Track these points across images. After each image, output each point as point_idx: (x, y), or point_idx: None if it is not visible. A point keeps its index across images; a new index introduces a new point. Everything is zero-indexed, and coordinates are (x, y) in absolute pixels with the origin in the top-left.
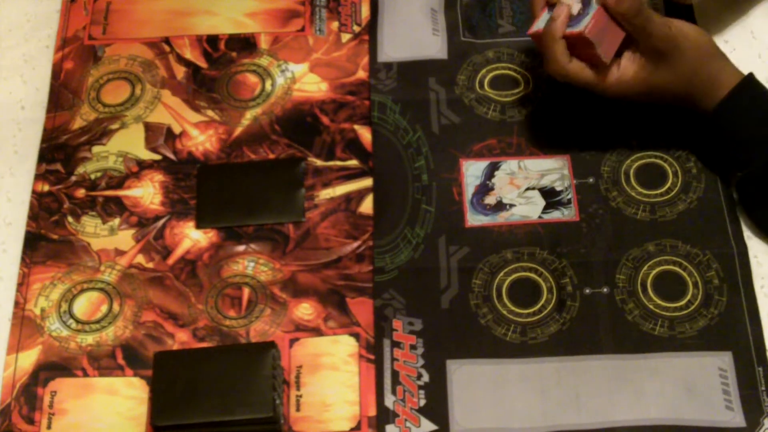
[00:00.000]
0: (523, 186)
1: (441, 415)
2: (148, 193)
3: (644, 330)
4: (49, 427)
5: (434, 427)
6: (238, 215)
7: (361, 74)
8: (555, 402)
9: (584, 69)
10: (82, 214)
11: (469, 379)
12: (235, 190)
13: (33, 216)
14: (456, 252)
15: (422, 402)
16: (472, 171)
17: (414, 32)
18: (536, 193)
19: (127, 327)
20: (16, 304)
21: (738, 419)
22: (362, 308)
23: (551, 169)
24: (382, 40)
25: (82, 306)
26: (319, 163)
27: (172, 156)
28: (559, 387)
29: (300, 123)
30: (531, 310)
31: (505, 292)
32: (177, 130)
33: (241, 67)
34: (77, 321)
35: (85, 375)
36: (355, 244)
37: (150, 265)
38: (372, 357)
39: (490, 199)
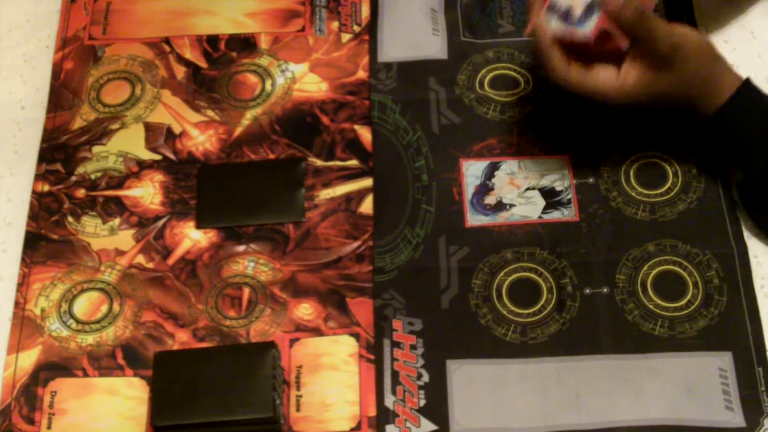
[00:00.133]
0: (523, 186)
1: (441, 415)
2: (148, 193)
3: (644, 330)
4: (49, 427)
5: (434, 427)
6: (238, 215)
7: (361, 74)
8: (555, 402)
9: (585, 76)
10: (82, 214)
11: (469, 379)
12: (235, 190)
13: (33, 216)
14: (456, 252)
15: (422, 402)
16: (472, 171)
17: (414, 32)
18: (536, 193)
19: (128, 327)
20: (16, 304)
21: (738, 419)
22: (362, 308)
23: (551, 169)
24: (382, 40)
25: (83, 306)
26: (319, 163)
27: (172, 156)
28: (559, 387)
29: (300, 123)
30: (531, 310)
31: (505, 292)
32: (177, 130)
33: (241, 67)
34: (77, 321)
35: (85, 375)
36: (355, 244)
37: (150, 265)
38: (372, 357)
39: (490, 199)
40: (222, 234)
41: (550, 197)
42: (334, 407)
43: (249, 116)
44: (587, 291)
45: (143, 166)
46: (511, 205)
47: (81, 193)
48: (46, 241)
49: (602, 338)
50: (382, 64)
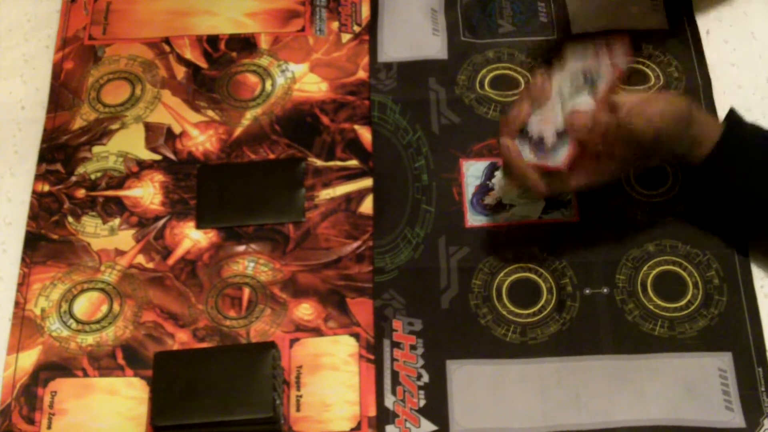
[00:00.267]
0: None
1: (441, 416)
2: (148, 193)
3: (644, 330)
4: (49, 427)
5: (434, 427)
6: (238, 215)
7: (361, 74)
8: (555, 402)
9: (566, 184)
10: (83, 214)
11: (469, 380)
12: (235, 190)
13: (33, 216)
14: (456, 252)
15: (422, 402)
16: (472, 171)
17: (414, 32)
18: None
19: (128, 327)
20: (17, 304)
21: (738, 419)
22: (362, 308)
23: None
24: (382, 40)
25: (83, 306)
26: (319, 163)
27: (172, 156)
28: (559, 387)
29: (300, 123)
30: (531, 311)
31: (505, 293)
32: (177, 130)
33: (242, 67)
34: (77, 321)
35: (86, 375)
36: (355, 244)
37: (150, 265)
38: (372, 357)
39: (490, 199)
40: (222, 234)
41: (550, 197)
42: (334, 407)
43: (249, 116)
44: (587, 291)
45: (143, 166)
46: (511, 206)
47: (81, 193)
48: (46, 241)
49: (602, 338)
50: (382, 64)
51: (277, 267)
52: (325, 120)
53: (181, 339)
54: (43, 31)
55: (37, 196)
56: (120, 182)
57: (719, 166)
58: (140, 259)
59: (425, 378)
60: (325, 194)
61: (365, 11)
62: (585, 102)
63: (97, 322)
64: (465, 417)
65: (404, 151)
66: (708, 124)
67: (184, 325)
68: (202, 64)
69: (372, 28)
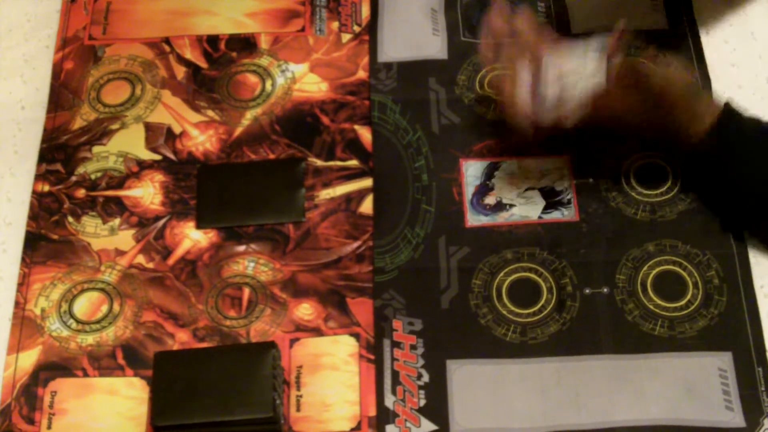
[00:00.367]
0: (523, 186)
1: (441, 415)
2: (148, 193)
3: (644, 330)
4: (49, 427)
5: (434, 427)
6: (238, 215)
7: (361, 74)
8: (555, 402)
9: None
10: (83, 214)
11: (469, 379)
12: (235, 190)
13: (33, 216)
14: (456, 252)
15: (422, 402)
16: (472, 171)
17: (414, 32)
18: (536, 193)
19: (128, 327)
20: (17, 304)
21: (738, 419)
22: (362, 308)
23: (551, 169)
24: (382, 40)
25: (83, 306)
26: (319, 163)
27: (172, 156)
28: (559, 387)
29: (300, 123)
30: (531, 311)
31: (505, 293)
32: (177, 130)
33: (242, 67)
34: (77, 321)
35: (86, 375)
36: (355, 244)
37: (150, 265)
38: (372, 357)
39: (490, 199)
40: (222, 234)
41: (550, 197)
42: (334, 407)
43: (249, 116)
44: (587, 291)
45: (143, 166)
46: (511, 205)
47: (81, 193)
48: (46, 241)
49: (602, 338)
50: (382, 64)
51: (277, 267)
52: (325, 120)
53: (181, 339)
54: (43, 31)
55: (37, 196)
56: (120, 182)
57: (716, 146)
58: (140, 259)
59: (425, 378)
60: (325, 194)
61: (365, 11)
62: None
63: (97, 322)
64: (465, 417)
65: (404, 151)
66: (707, 103)
67: (184, 325)
68: (202, 64)
69: (372, 28)
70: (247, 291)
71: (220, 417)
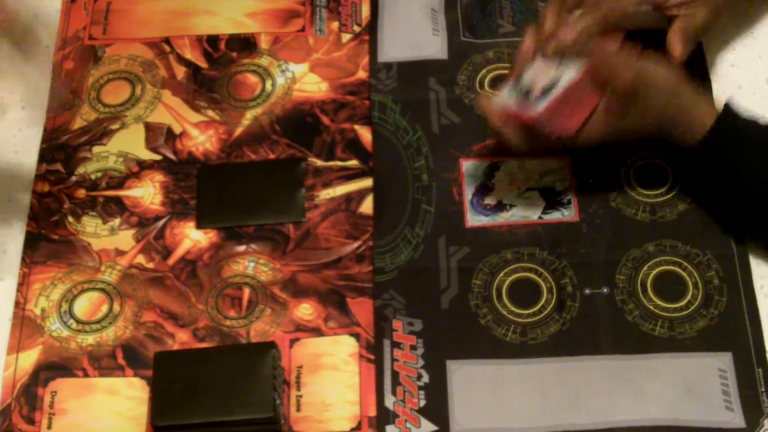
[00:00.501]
0: (523, 186)
1: (441, 416)
2: (148, 193)
3: (644, 330)
4: (49, 427)
5: (434, 427)
6: (238, 215)
7: (362, 74)
8: (555, 402)
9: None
10: (83, 214)
11: (469, 380)
12: (235, 190)
13: (33, 216)
14: (456, 252)
15: (422, 402)
16: (472, 171)
17: (414, 32)
18: (536, 194)
19: (128, 327)
20: (17, 304)
21: (738, 420)
22: (362, 308)
23: (551, 169)
24: (382, 40)
25: (83, 306)
26: (319, 163)
27: (172, 156)
28: (559, 387)
29: (300, 123)
30: (531, 311)
31: (505, 293)
32: (177, 130)
33: (242, 67)
34: (78, 321)
35: (86, 375)
36: (355, 244)
37: (150, 265)
38: (372, 357)
39: (490, 200)
40: (222, 234)
41: (550, 197)
42: (335, 407)
43: (249, 116)
44: (587, 291)
45: (143, 166)
46: (511, 206)
47: (81, 193)
48: (46, 241)
49: (602, 338)
50: (382, 64)
51: (277, 267)
52: (325, 120)
53: (181, 339)
54: (43, 31)
55: (37, 196)
56: (120, 182)
57: (715, 148)
58: (140, 259)
59: (425, 378)
60: (325, 194)
61: (365, 11)
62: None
63: (98, 322)
64: (465, 417)
65: (404, 151)
66: (704, 102)
67: (184, 325)
68: (202, 64)
69: (372, 28)
70: (247, 291)
71: (220, 417)
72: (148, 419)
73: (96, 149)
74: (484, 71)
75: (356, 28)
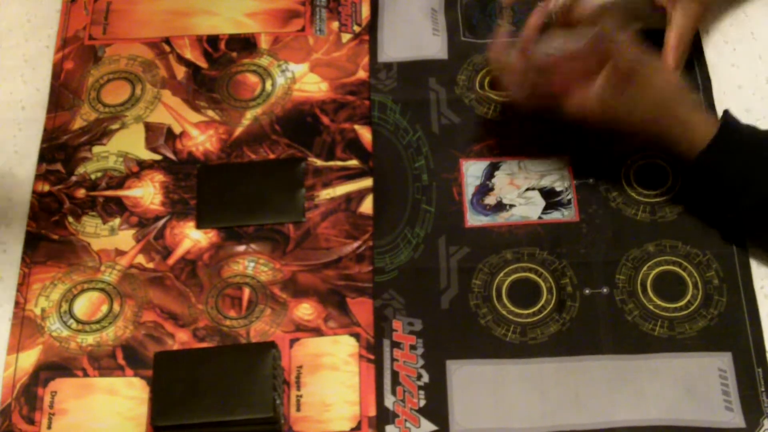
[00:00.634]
0: (523, 186)
1: (441, 416)
2: (148, 193)
3: (644, 330)
4: (49, 427)
5: (434, 427)
6: (238, 215)
7: (362, 74)
8: (555, 402)
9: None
10: (83, 214)
11: (469, 380)
12: (235, 190)
13: (33, 216)
14: (456, 252)
15: (422, 402)
16: (472, 171)
17: (414, 32)
18: (536, 194)
19: (128, 327)
20: (17, 304)
21: (738, 420)
22: (362, 308)
23: (551, 169)
24: (383, 40)
25: (83, 306)
26: (319, 163)
27: (172, 156)
28: (558, 387)
29: (300, 123)
30: (531, 311)
31: (505, 293)
32: (177, 130)
33: (242, 67)
34: (78, 321)
35: (86, 375)
36: (355, 244)
37: (150, 265)
38: (372, 357)
39: (490, 200)
40: (222, 234)
41: (550, 197)
42: (334, 407)
43: (249, 116)
44: (587, 291)
45: (143, 166)
46: (511, 206)
47: (81, 193)
48: (46, 241)
49: (602, 338)
50: (382, 64)
51: (277, 267)
52: (325, 120)
53: (181, 339)
54: (43, 31)
55: (37, 196)
56: (120, 182)
57: (715, 161)
58: (140, 259)
59: (425, 378)
60: (325, 194)
61: (365, 11)
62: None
63: (97, 322)
64: (465, 417)
65: (404, 151)
66: (699, 114)
67: (184, 325)
68: (202, 64)
69: (372, 28)
70: (247, 291)
71: (220, 417)
72: (148, 419)
73: (96, 149)
74: (484, 71)
75: (356, 28)
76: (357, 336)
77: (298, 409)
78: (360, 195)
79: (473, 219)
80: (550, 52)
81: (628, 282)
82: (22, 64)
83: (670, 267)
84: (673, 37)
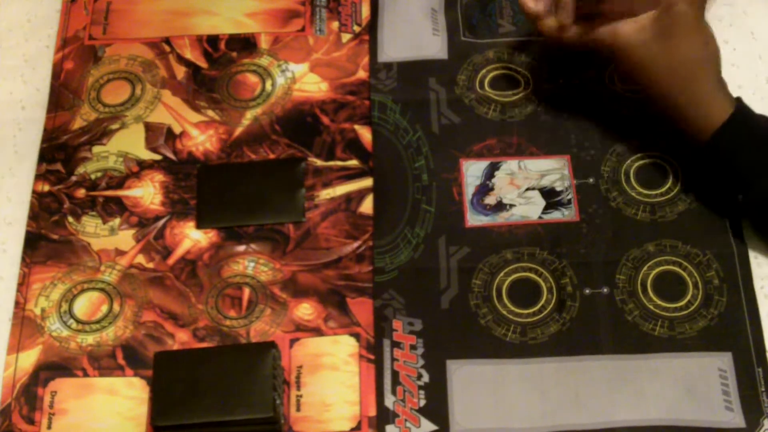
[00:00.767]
0: (523, 186)
1: (441, 416)
2: (148, 193)
3: (644, 330)
4: (49, 427)
5: (434, 427)
6: (238, 215)
7: (362, 74)
8: (555, 402)
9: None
10: (83, 214)
11: (469, 380)
12: (235, 190)
13: (33, 216)
14: (456, 252)
15: (422, 402)
16: (472, 171)
17: (414, 32)
18: (536, 194)
19: (128, 327)
20: (17, 304)
21: (738, 420)
22: (362, 308)
23: (551, 169)
24: (383, 40)
25: (83, 306)
26: (319, 163)
27: (172, 156)
28: (559, 387)
29: (300, 123)
30: (531, 311)
31: (505, 293)
32: (177, 130)
33: (242, 67)
34: (77, 321)
35: (86, 375)
36: (355, 244)
37: (150, 265)
38: (372, 357)
39: (490, 200)
40: (222, 234)
41: (550, 197)
42: (334, 407)
43: (249, 116)
44: (587, 291)
45: (143, 166)
46: (511, 206)
47: (81, 193)
48: (46, 241)
49: (602, 338)
50: (382, 64)
51: (277, 267)
52: (325, 120)
53: (181, 339)
54: (43, 31)
55: (37, 196)
56: (120, 182)
57: (732, 140)
58: (140, 259)
59: (425, 378)
60: (325, 194)
61: (365, 11)
62: None
63: (97, 322)
64: (465, 417)
65: (404, 151)
66: (720, 95)
67: (184, 325)
68: (202, 64)
69: (372, 28)
70: (247, 291)
71: (220, 417)
72: (148, 419)
73: (96, 149)
74: (484, 71)
75: (356, 28)
76: (357, 336)
77: (298, 409)
78: (360, 195)
79: (473, 219)
80: None
81: (629, 282)
82: (22, 64)
83: (671, 267)
84: None
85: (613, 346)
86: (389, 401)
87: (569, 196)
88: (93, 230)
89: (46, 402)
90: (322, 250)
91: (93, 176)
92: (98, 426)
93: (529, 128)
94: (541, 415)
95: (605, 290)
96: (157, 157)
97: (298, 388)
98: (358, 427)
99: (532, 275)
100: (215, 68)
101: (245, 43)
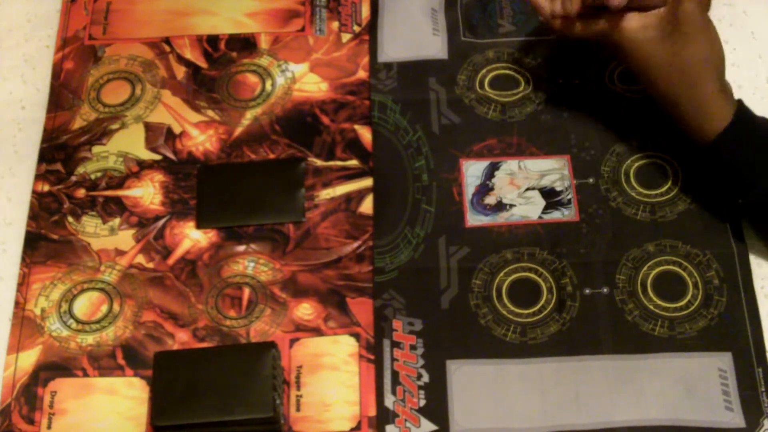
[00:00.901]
0: (523, 186)
1: (441, 416)
2: (148, 193)
3: (644, 330)
4: (49, 427)
5: (434, 427)
6: (238, 215)
7: (362, 74)
8: (555, 402)
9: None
10: (83, 214)
11: (469, 380)
12: (235, 190)
13: (33, 216)
14: (456, 252)
15: (422, 402)
16: (472, 171)
17: (414, 32)
18: (536, 194)
19: (128, 327)
20: (16, 304)
21: (738, 420)
22: (362, 308)
23: (551, 169)
24: (383, 40)
25: (83, 306)
26: (319, 163)
27: (172, 156)
28: (558, 387)
29: (300, 123)
30: (531, 311)
31: (505, 293)
32: (177, 130)
33: (241, 67)
34: (77, 321)
35: (85, 375)
36: (355, 244)
37: (150, 265)
38: (372, 357)
39: (490, 200)
40: (222, 234)
41: (550, 197)
42: (334, 407)
43: (249, 116)
44: (587, 291)
45: (143, 166)
46: (511, 206)
47: (81, 193)
48: (46, 241)
49: (602, 338)
50: (382, 64)
51: (277, 267)
52: (325, 120)
53: (181, 339)
54: (43, 31)
55: (37, 196)
56: (120, 182)
57: (735, 141)
58: (140, 259)
59: (425, 378)
60: (325, 194)
61: (365, 11)
62: None
63: (97, 322)
64: (465, 417)
65: (404, 151)
66: (722, 98)
67: (184, 325)
68: (202, 64)
69: (372, 28)
70: (247, 291)
71: (220, 417)
72: (147, 419)
73: (96, 149)
74: (484, 71)
75: (356, 28)
76: (357, 336)
77: (298, 409)
78: (360, 195)
79: (473, 219)
80: None
81: (628, 282)
82: (22, 64)
83: (670, 267)
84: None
85: (613, 346)
86: (389, 401)
87: (569, 196)
88: (93, 230)
89: (46, 402)
90: (322, 250)
91: (93, 176)
92: (98, 426)
93: (529, 128)
94: (541, 415)
95: (605, 290)
96: (157, 157)
97: (298, 388)
98: (358, 427)
99: (532, 275)
100: (215, 68)
101: (245, 43)
